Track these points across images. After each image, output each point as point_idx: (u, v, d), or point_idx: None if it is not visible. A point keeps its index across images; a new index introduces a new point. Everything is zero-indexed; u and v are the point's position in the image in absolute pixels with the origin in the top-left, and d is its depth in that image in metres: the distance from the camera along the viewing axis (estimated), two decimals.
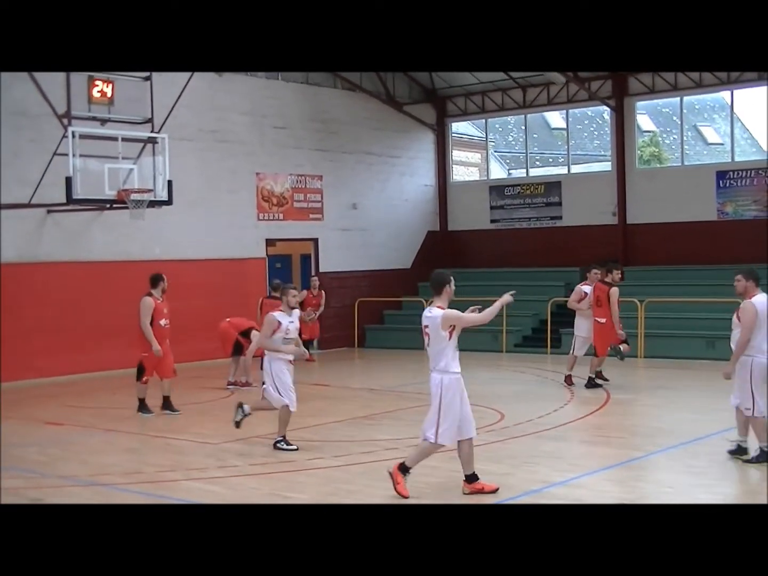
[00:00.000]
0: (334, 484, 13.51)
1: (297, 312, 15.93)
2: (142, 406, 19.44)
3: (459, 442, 12.57)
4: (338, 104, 32.97)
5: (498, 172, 39.99)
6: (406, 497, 12.28)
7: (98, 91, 22.74)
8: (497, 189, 35.83)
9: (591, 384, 21.72)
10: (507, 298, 12.62)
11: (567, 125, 36.35)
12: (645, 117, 37.62)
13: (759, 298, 13.54)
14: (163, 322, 19.10)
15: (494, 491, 12.45)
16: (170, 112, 23.78)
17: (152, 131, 23.06)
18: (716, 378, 20.77)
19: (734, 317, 13.84)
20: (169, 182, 22.84)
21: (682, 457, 14.84)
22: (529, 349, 29.95)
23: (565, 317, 30.30)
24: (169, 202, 23.06)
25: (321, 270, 31.74)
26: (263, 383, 15.84)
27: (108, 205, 22.94)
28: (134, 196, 22.18)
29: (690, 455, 14.92)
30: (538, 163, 40.12)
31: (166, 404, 19.48)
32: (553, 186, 34.49)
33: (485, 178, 38.07)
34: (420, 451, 12.68)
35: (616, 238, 32.65)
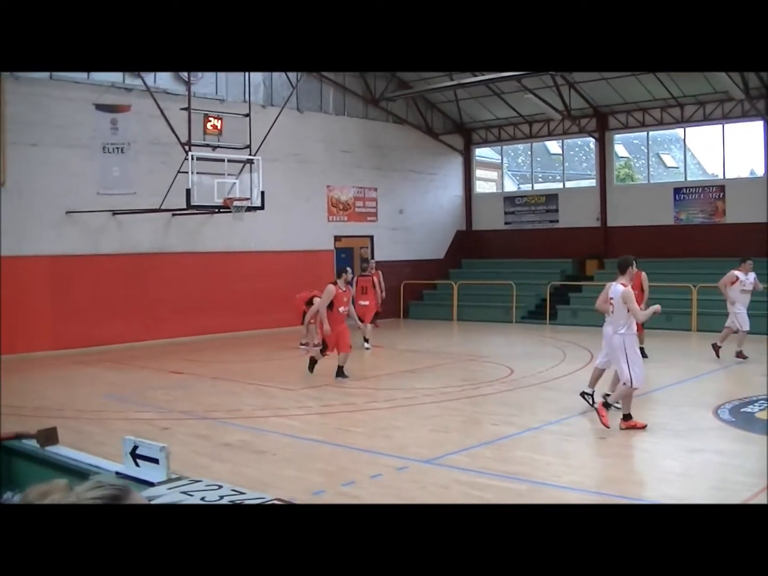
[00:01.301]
0: (384, 420, 13.61)
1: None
2: (340, 372, 17.74)
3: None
4: (390, 134, 32.98)
5: (510, 186, 39.75)
6: (608, 427, 12.20)
7: (211, 125, 22.93)
8: (509, 199, 35.75)
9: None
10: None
11: (562, 151, 36.25)
12: (621, 146, 37.37)
13: None
14: (341, 309, 17.63)
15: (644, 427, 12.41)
16: (263, 140, 23.86)
17: (250, 154, 23.16)
18: (672, 345, 20.84)
19: None
20: (262, 193, 22.96)
21: (645, 402, 14.87)
22: (532, 321, 29.88)
23: (559, 297, 30.32)
24: (261, 207, 23.16)
25: (375, 259, 31.81)
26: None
27: (216, 210, 23.06)
28: (236, 203, 22.31)
29: (651, 401, 14.95)
30: (540, 179, 39.94)
31: (339, 372, 17.80)
32: (551, 197, 34.38)
33: (501, 190, 37.95)
34: (620, 393, 12.54)
35: (598, 237, 32.52)
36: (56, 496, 2.48)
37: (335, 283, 17.92)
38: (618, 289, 12.53)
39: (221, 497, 4.43)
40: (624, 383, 12.52)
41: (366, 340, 22.53)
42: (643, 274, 19.44)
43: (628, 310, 12.43)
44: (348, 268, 18.77)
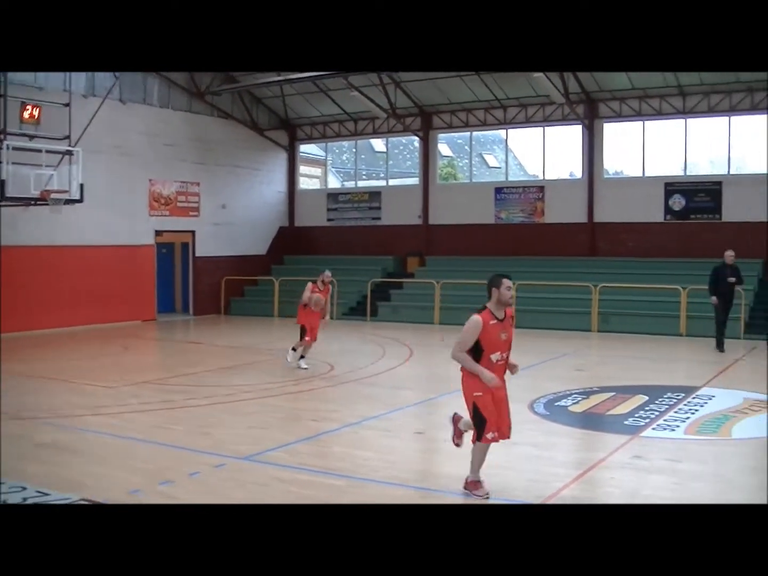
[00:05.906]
0: (203, 418, 13.52)
1: None
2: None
3: None
4: (214, 128, 32.72)
5: (334, 183, 39.98)
6: None
7: (28, 114, 22.36)
8: (333, 195, 36.02)
9: None
10: None
11: (387, 149, 36.68)
12: (444, 145, 37.99)
13: None
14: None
15: None
16: (84, 130, 23.39)
17: (69, 146, 22.68)
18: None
19: None
20: (81, 185, 22.53)
21: (459, 397, 15.18)
22: (353, 318, 30.15)
23: (380, 294, 30.69)
24: (81, 200, 22.74)
25: (196, 255, 31.61)
26: None
27: (33, 202, 22.51)
28: (54, 196, 21.85)
29: None
30: (364, 176, 40.21)
31: None
32: (375, 194, 34.76)
33: (324, 187, 38.20)
34: None
35: (420, 235, 33.09)
36: None
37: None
38: None
39: (25, 499, 4.37)
40: None
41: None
42: None
43: None
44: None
